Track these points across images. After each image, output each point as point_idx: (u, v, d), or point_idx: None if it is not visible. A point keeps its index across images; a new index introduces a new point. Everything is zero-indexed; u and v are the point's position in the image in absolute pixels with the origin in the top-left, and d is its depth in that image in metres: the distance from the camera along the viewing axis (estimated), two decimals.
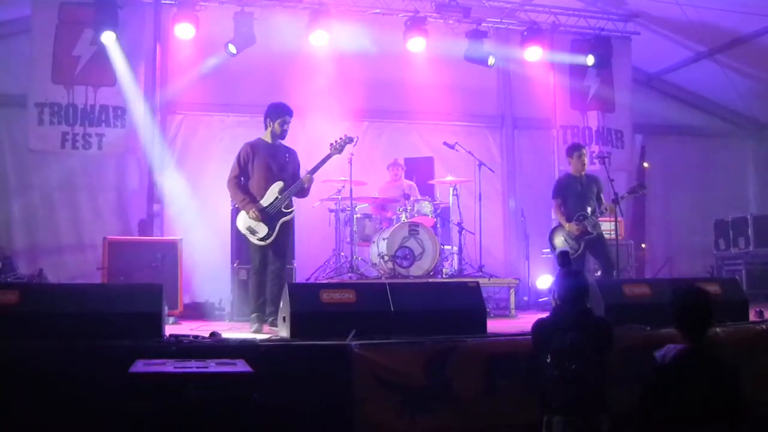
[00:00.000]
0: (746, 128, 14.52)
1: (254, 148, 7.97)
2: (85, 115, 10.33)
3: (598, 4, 12.30)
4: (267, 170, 7.85)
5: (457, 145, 10.95)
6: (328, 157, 8.06)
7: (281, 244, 7.86)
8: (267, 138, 8.04)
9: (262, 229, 7.72)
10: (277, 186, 7.79)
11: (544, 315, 5.65)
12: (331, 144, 8.10)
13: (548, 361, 5.15)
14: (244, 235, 7.88)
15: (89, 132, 10.35)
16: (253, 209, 7.69)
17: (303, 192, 8.04)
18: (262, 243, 7.75)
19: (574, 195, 9.51)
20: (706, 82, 13.38)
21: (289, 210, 7.83)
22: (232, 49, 10.85)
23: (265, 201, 7.77)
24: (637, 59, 12.88)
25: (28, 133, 10.32)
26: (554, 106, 12.44)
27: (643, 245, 13.08)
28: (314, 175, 7.99)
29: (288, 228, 7.94)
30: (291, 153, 8.10)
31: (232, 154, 11.18)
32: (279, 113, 7.98)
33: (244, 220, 7.80)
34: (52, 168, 11.05)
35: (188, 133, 11.74)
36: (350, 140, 8.25)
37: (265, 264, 7.82)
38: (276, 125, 7.96)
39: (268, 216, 7.72)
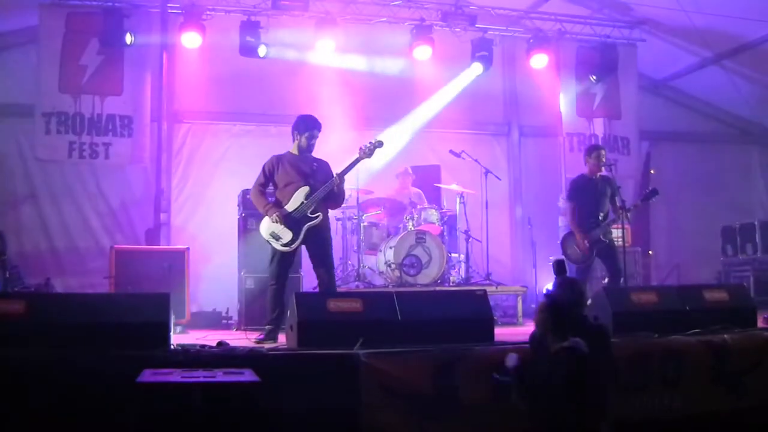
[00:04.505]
0: (753, 134, 14.49)
1: (280, 159, 7.79)
2: (92, 124, 10.37)
3: (604, 12, 12.29)
4: (292, 177, 7.64)
5: (463, 153, 10.96)
6: (357, 160, 7.82)
7: (319, 253, 7.64)
8: (294, 150, 7.84)
9: (287, 235, 7.50)
10: (302, 191, 7.57)
11: None
12: (361, 148, 7.82)
13: (547, 370, 5.15)
14: (267, 241, 7.66)
15: (96, 141, 10.38)
16: (277, 213, 7.49)
17: (335, 198, 7.79)
18: (286, 249, 7.52)
19: (589, 198, 9.31)
20: (713, 88, 13.35)
21: (315, 215, 7.53)
22: (262, 51, 10.91)
23: (290, 206, 7.56)
24: (643, 66, 12.87)
25: (35, 143, 10.39)
26: (560, 113, 12.41)
27: (650, 252, 13.04)
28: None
29: (318, 234, 7.62)
30: (320, 162, 7.86)
31: (238, 163, 11.28)
32: (306, 127, 7.78)
33: (267, 226, 7.61)
34: (59, 177, 11.11)
35: (195, 142, 11.77)
36: (379, 144, 7.88)
37: (284, 274, 7.61)
38: (303, 139, 7.75)
39: (292, 221, 7.51)
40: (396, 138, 11.76)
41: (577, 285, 5.59)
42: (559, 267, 5.60)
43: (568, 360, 4.95)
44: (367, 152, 7.84)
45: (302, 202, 7.55)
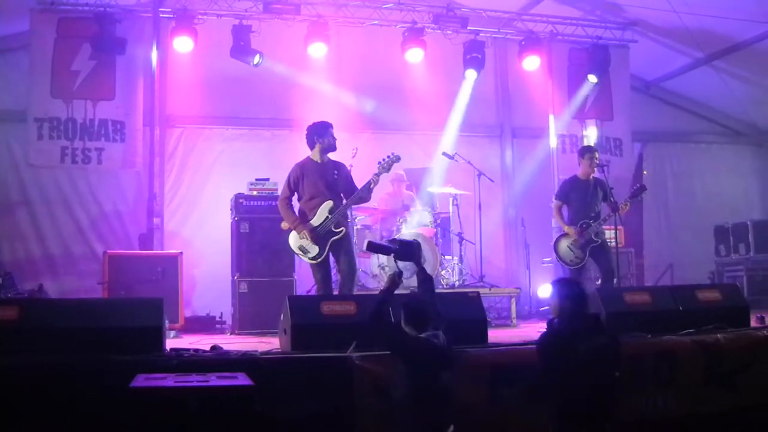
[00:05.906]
0: (745, 134, 14.55)
1: (303, 168, 8.04)
2: (84, 129, 10.33)
3: (596, 13, 12.30)
4: (316, 190, 7.92)
5: (456, 155, 10.96)
6: (377, 175, 8.00)
7: (345, 257, 7.89)
8: (315, 157, 8.06)
9: (313, 249, 7.80)
10: (327, 206, 7.85)
11: (545, 327, 5.62)
12: (379, 162, 8.03)
13: (560, 375, 5.13)
14: (296, 254, 8.08)
15: (89, 146, 10.35)
16: (305, 231, 7.79)
17: (358, 203, 8.31)
18: (313, 262, 7.85)
19: (581, 199, 9.34)
20: (705, 89, 13.38)
21: (339, 229, 7.83)
22: (256, 60, 10.94)
23: (316, 221, 7.85)
24: (635, 67, 12.89)
25: (27, 148, 10.34)
26: (553, 115, 12.42)
27: (642, 252, 13.06)
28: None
29: (343, 245, 7.90)
30: (339, 168, 8.13)
31: (231, 167, 11.26)
32: (324, 130, 8.03)
33: (295, 240, 7.91)
34: (52, 183, 11.07)
35: (187, 147, 11.73)
36: (397, 159, 8.13)
37: (328, 278, 7.94)
38: (326, 141, 7.99)
39: (318, 236, 7.79)
40: (388, 140, 11.76)
41: (578, 284, 5.63)
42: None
43: (424, 348, 5.14)
44: (386, 167, 8.08)
45: (327, 217, 7.84)
